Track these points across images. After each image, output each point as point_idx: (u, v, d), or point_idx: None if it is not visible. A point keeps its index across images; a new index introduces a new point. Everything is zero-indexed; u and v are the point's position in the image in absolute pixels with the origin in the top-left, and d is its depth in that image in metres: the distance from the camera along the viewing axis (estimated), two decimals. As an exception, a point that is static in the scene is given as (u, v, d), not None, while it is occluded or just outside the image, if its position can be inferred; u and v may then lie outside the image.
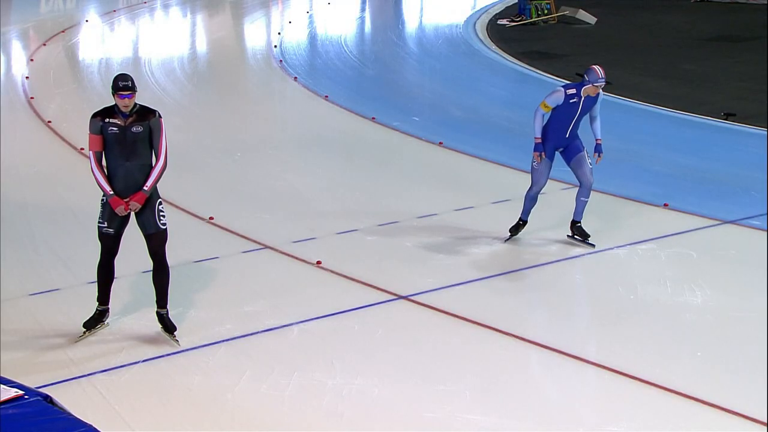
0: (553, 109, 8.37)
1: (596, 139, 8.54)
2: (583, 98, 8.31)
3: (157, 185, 6.71)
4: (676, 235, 8.92)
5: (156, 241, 6.74)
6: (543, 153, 8.44)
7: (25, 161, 11.18)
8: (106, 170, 6.67)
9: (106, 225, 6.72)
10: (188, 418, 5.89)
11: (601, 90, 8.34)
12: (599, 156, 8.53)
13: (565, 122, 8.39)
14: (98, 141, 6.64)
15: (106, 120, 6.61)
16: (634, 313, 7.39)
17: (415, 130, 12.57)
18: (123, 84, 6.55)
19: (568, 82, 8.63)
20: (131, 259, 7.35)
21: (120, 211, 6.62)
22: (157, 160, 6.68)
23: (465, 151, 11.67)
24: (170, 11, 22.89)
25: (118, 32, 20.11)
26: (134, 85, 6.61)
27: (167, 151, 6.71)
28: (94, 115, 6.65)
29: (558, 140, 8.48)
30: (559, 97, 8.33)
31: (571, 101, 8.32)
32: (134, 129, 6.60)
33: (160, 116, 6.71)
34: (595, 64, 8.42)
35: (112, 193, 6.62)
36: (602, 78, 8.25)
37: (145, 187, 6.62)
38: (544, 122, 8.45)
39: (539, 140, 8.43)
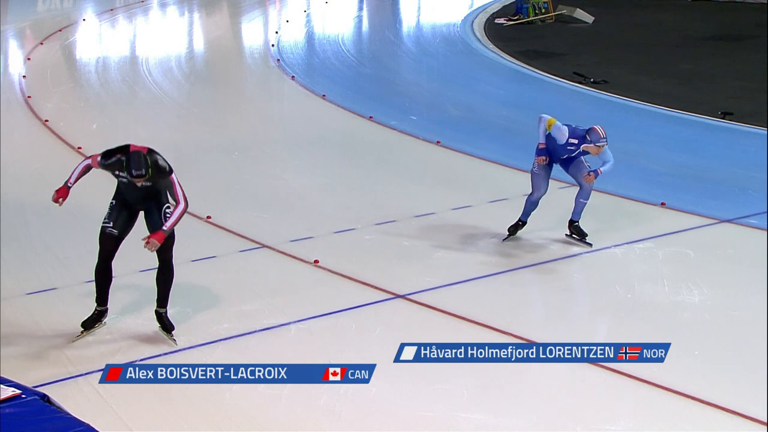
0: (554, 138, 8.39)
1: (598, 169, 8.37)
2: (580, 150, 8.33)
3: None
4: (674, 234, 8.93)
5: (163, 242, 6.72)
6: (546, 157, 8.43)
7: (22, 160, 11.15)
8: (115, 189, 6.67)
9: (111, 225, 6.70)
10: (186, 417, 5.88)
11: (605, 147, 8.27)
12: (592, 175, 8.38)
13: (562, 153, 8.46)
14: (98, 167, 6.64)
15: (116, 172, 6.56)
16: (632, 312, 7.40)
17: (412, 129, 12.56)
18: (137, 173, 6.36)
19: (571, 124, 8.21)
20: (128, 258, 7.33)
21: (53, 200, 6.69)
22: (177, 204, 6.56)
23: (462, 150, 11.67)
24: (167, 10, 22.85)
25: (115, 31, 20.08)
26: (148, 171, 6.38)
27: (185, 195, 6.56)
28: (106, 159, 6.53)
29: (555, 158, 8.55)
30: (561, 137, 8.32)
31: (568, 147, 8.36)
32: (146, 184, 6.53)
33: (170, 172, 6.53)
34: (596, 125, 8.30)
35: (69, 185, 6.69)
36: (604, 138, 8.22)
37: (164, 227, 6.54)
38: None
39: (543, 146, 8.44)
